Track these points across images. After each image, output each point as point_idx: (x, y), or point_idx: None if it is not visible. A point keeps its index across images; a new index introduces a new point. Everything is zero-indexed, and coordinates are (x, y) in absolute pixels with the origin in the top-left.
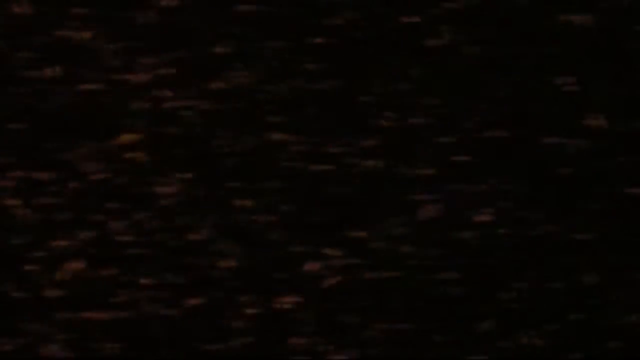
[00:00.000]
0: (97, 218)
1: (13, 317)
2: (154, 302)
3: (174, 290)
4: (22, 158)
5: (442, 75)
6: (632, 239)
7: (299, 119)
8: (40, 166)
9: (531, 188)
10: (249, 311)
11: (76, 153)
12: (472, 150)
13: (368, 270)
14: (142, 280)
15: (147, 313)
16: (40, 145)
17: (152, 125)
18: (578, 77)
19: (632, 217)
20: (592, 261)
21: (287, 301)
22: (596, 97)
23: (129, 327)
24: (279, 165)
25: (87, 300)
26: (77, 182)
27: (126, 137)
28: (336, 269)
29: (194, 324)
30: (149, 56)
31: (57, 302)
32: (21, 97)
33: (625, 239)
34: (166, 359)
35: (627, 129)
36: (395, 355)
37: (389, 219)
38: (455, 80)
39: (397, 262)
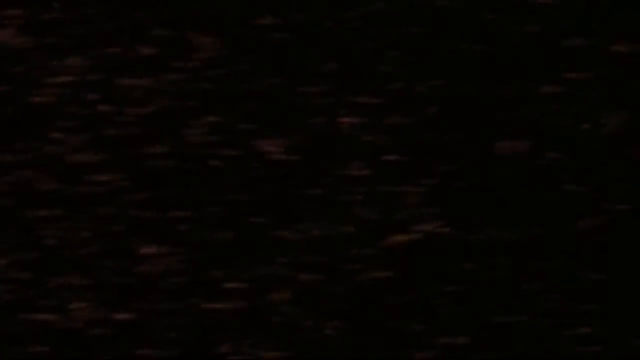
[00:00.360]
0: (32, 222)
1: None
2: (87, 306)
3: (107, 294)
4: None
5: (377, 75)
6: (569, 242)
7: (228, 119)
8: None
9: (468, 189)
10: (183, 315)
11: (10, 156)
12: (408, 151)
13: (301, 271)
14: (76, 284)
15: (81, 317)
16: None
17: (85, 128)
18: (510, 77)
19: (570, 219)
20: (527, 264)
21: (221, 304)
22: (530, 98)
23: (62, 330)
24: (210, 166)
25: (20, 303)
26: (14, 185)
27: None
28: (269, 270)
29: (129, 329)
30: (76, 56)
31: None
32: None
33: (562, 242)
34: None
35: (563, 129)
36: (329, 356)
37: (321, 220)
38: (389, 81)
39: (329, 262)
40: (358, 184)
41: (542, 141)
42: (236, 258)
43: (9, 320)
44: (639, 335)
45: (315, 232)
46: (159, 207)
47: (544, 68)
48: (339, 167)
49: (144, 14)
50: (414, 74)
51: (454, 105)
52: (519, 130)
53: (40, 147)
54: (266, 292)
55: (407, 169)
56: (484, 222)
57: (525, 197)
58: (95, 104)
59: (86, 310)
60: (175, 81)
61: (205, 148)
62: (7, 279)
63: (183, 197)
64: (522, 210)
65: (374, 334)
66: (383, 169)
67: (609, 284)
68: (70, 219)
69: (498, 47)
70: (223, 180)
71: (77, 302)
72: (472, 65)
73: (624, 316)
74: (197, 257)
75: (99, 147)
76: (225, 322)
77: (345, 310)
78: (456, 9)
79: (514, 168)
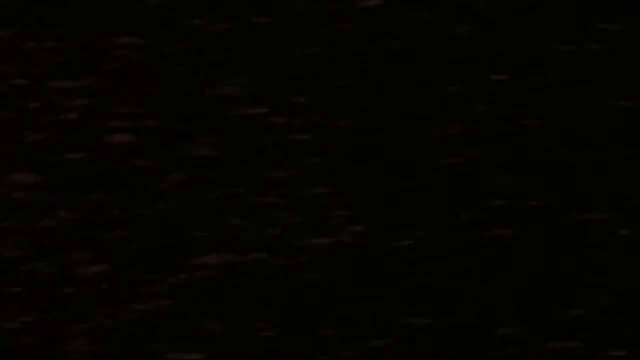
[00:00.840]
0: None
1: None
2: (17, 311)
3: (36, 299)
4: None
5: (304, 75)
6: (483, 247)
7: (148, 122)
8: None
9: (390, 192)
10: (101, 319)
11: None
12: (331, 153)
13: (223, 273)
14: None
15: (12, 321)
16: None
17: (10, 131)
18: (438, 77)
19: (487, 226)
20: (437, 267)
21: (142, 308)
22: (456, 98)
23: None
24: (125, 168)
25: None
26: None
27: None
28: (190, 273)
29: (50, 333)
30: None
31: None
32: None
33: (476, 247)
34: None
35: (484, 130)
36: (250, 357)
37: (240, 223)
38: (314, 82)
39: (251, 265)
40: (282, 185)
41: (465, 144)
42: (161, 260)
43: None
44: (556, 338)
45: (238, 233)
46: (85, 211)
47: (470, 69)
48: (263, 168)
49: (72, 17)
50: (339, 74)
51: (379, 107)
52: (443, 132)
53: None
54: (192, 294)
55: (330, 171)
56: (405, 225)
57: (445, 202)
58: (22, 107)
59: (16, 316)
60: (101, 83)
61: (130, 150)
62: None
63: (107, 200)
64: (441, 215)
65: (296, 335)
66: (307, 171)
67: (525, 287)
68: None
69: (424, 47)
70: (149, 182)
71: (7, 308)
72: (399, 65)
73: (540, 318)
74: (123, 260)
75: (22, 151)
76: (152, 323)
77: (268, 313)
78: (384, 8)
79: (437, 173)
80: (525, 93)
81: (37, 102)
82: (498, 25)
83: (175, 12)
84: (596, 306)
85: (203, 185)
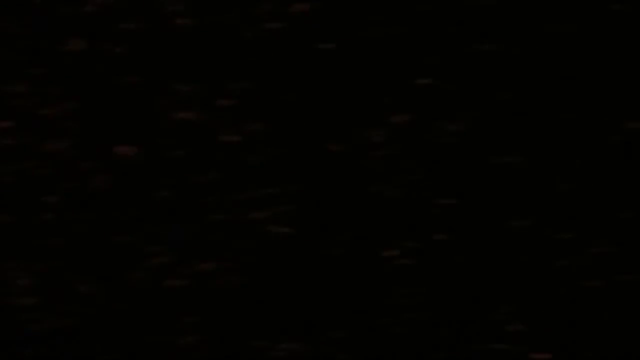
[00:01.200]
0: None
1: None
2: None
3: None
4: None
5: (243, 76)
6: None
7: (88, 127)
8: None
9: (322, 198)
10: (33, 326)
11: None
12: (265, 155)
13: (155, 278)
14: None
15: None
16: None
17: None
18: (365, 77)
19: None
20: (372, 270)
21: (74, 314)
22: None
23: None
24: (62, 172)
25: None
26: None
27: None
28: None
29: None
30: None
31: None
32: None
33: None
34: None
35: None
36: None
37: (173, 222)
38: (245, 82)
39: (183, 270)
40: (212, 186)
41: (400, 149)
42: (93, 266)
43: None
44: (485, 340)
45: (169, 237)
46: (18, 216)
47: (398, 73)
48: (193, 170)
49: (13, 20)
50: (270, 75)
51: (312, 110)
52: (376, 135)
53: None
54: (125, 300)
55: (262, 171)
56: (337, 225)
57: (380, 206)
58: None
59: None
60: (38, 84)
61: (67, 155)
62: None
63: (41, 205)
64: (376, 218)
65: (225, 343)
66: (238, 171)
67: (457, 290)
68: None
69: (354, 49)
70: (82, 186)
71: None
72: (331, 68)
73: (470, 321)
74: (57, 266)
75: None
76: (84, 330)
77: (201, 318)
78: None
79: (368, 173)
80: (452, 97)
81: None
82: (428, 29)
83: (115, 15)
84: (522, 309)
85: (134, 190)
